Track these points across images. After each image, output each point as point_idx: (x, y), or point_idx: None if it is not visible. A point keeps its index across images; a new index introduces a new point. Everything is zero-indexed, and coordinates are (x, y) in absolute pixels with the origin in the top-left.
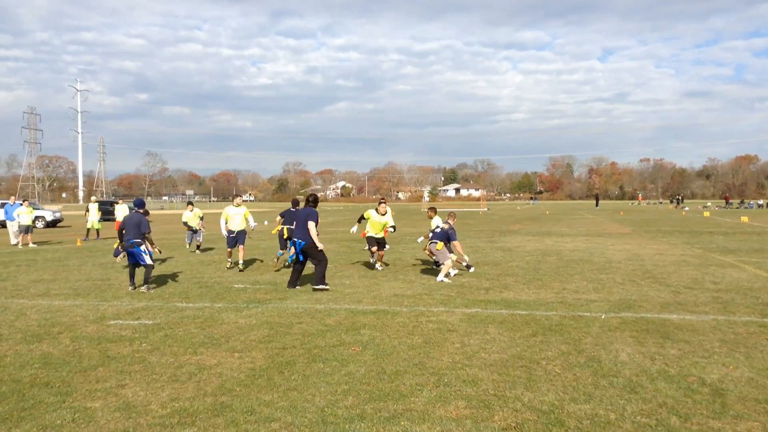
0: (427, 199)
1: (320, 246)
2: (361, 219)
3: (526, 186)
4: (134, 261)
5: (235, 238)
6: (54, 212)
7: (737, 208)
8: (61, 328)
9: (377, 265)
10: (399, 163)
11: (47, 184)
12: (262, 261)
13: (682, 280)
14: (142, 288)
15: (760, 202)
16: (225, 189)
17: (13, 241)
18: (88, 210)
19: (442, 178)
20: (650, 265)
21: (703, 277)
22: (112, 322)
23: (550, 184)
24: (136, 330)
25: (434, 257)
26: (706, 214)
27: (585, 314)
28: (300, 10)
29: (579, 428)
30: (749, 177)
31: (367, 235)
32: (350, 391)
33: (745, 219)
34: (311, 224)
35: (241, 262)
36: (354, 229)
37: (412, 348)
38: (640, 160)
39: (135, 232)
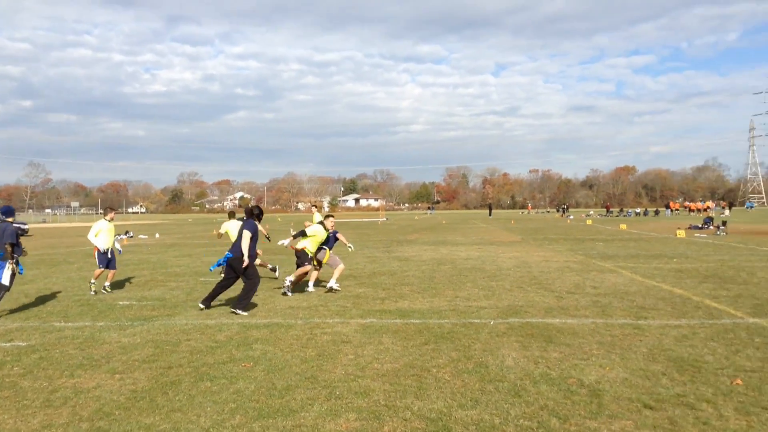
0: (326, 209)
1: (245, 257)
2: (303, 235)
3: (424, 196)
4: None
5: (108, 258)
6: None
7: (617, 216)
8: None
9: (310, 286)
10: (299, 173)
11: None
12: (130, 281)
13: (565, 285)
14: None
15: (638, 210)
16: (114, 200)
17: None
18: None
19: (342, 189)
20: (537, 272)
21: (584, 282)
22: None
23: (446, 194)
24: (8, 353)
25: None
26: (589, 222)
27: (475, 321)
28: (197, 16)
29: None
30: (628, 187)
31: (303, 250)
32: (238, 409)
33: (623, 226)
34: (246, 233)
35: (108, 284)
36: (286, 242)
37: (305, 361)
38: (530, 171)
39: None
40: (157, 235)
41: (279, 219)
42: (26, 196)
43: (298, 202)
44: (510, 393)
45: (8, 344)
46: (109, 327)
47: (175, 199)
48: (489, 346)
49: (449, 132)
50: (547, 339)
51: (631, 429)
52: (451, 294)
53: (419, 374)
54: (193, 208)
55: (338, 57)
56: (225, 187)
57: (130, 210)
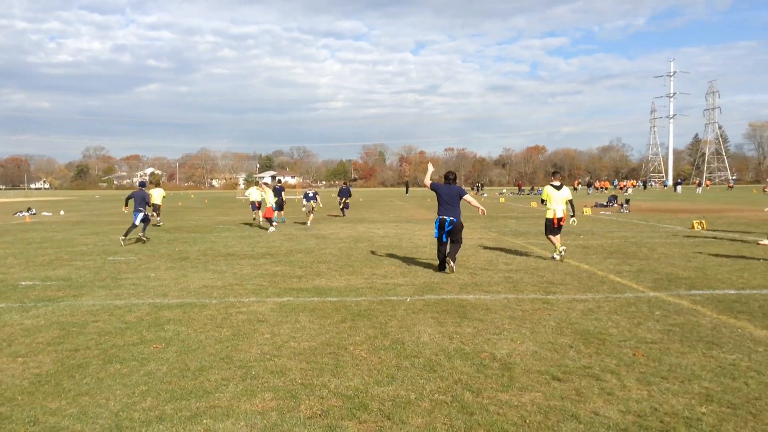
0: (242, 186)
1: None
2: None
3: (341, 173)
4: None
5: None
6: None
7: (528, 194)
8: None
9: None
10: (213, 149)
11: None
12: (32, 260)
13: (479, 262)
14: None
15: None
16: (15, 176)
17: None
18: None
19: (258, 165)
20: None
21: (497, 259)
22: None
23: (364, 171)
24: None
25: None
26: (502, 200)
27: (392, 298)
28: None
29: (381, 410)
30: (538, 166)
31: None
32: (149, 391)
33: (534, 204)
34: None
35: None
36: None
37: (220, 341)
38: (446, 150)
39: None
40: (62, 212)
41: (192, 196)
42: None
43: (212, 179)
44: (425, 368)
45: None
46: (10, 308)
47: (80, 175)
48: (405, 322)
49: (369, 109)
50: (462, 315)
51: (540, 400)
52: (369, 271)
53: (336, 352)
54: (100, 184)
55: (256, 30)
56: (134, 162)
57: (32, 186)
